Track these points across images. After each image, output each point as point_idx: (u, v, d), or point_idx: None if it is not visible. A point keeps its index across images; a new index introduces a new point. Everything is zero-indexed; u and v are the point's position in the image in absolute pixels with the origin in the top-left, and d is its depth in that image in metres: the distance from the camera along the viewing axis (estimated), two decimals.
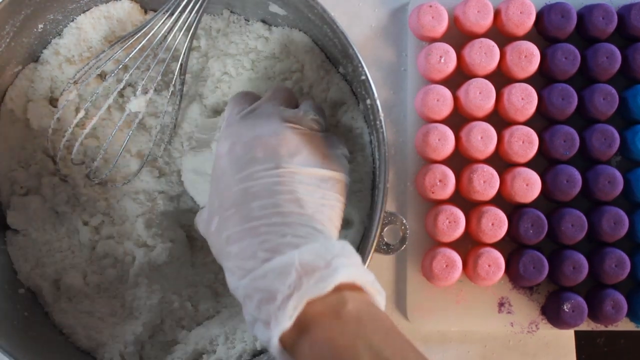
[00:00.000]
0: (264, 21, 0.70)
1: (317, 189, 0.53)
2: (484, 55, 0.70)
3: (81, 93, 0.68)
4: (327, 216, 0.53)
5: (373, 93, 0.60)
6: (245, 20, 0.71)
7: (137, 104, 0.66)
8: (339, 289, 0.45)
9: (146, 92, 0.66)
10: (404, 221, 0.61)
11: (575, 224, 0.69)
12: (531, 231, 0.69)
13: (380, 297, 0.47)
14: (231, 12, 0.71)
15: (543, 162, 0.72)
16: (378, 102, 0.60)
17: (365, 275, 0.47)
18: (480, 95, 0.69)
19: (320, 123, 0.59)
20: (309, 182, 0.53)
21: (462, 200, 0.72)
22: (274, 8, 0.67)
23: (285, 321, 0.43)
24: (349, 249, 0.48)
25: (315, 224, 0.50)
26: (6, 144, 0.68)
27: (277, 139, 0.54)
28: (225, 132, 0.58)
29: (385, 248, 0.61)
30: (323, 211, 0.52)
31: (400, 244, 0.62)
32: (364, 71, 0.60)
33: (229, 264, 0.50)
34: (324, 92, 0.68)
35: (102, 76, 0.69)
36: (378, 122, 0.60)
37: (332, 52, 0.67)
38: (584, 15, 0.71)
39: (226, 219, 0.52)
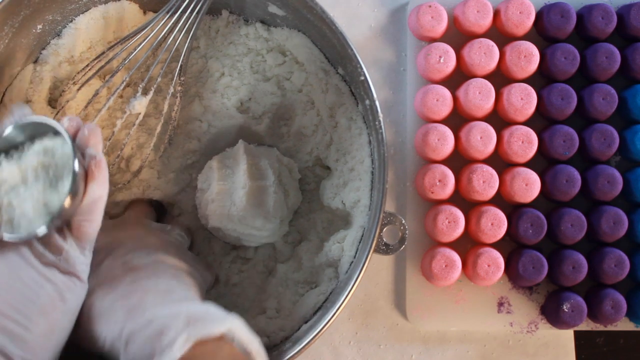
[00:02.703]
0: (263, 22, 0.70)
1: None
2: (484, 55, 0.70)
3: (81, 94, 0.67)
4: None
5: (372, 93, 0.60)
6: (245, 20, 0.71)
7: (137, 105, 0.66)
8: (221, 338, 0.48)
9: (146, 93, 0.66)
10: (403, 221, 0.61)
11: (575, 224, 0.69)
12: (531, 231, 0.69)
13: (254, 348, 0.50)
14: (230, 12, 0.70)
15: (542, 162, 0.72)
16: (377, 103, 0.60)
17: (241, 326, 0.50)
18: (479, 95, 0.69)
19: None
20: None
21: (462, 200, 0.72)
22: (273, 9, 0.67)
23: (175, 353, 0.45)
24: (230, 314, 0.51)
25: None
26: None
27: None
28: None
29: (384, 248, 0.61)
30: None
31: (400, 244, 0.62)
32: (363, 71, 0.60)
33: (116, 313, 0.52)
34: (322, 92, 0.68)
35: (102, 77, 0.69)
36: (377, 123, 0.60)
37: (331, 53, 0.67)
38: (583, 15, 0.71)
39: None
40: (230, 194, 0.65)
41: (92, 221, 0.52)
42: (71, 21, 0.68)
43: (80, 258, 0.51)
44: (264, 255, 0.69)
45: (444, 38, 0.73)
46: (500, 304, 0.73)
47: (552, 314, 0.71)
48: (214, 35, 0.70)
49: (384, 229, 0.61)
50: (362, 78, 0.60)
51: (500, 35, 0.73)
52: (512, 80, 0.71)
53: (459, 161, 0.72)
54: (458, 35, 0.73)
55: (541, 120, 0.73)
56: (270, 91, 0.69)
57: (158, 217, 0.68)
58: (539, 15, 0.72)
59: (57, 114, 0.66)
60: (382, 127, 0.60)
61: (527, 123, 0.71)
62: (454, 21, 0.73)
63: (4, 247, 0.50)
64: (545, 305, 0.73)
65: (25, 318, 0.48)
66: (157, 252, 0.58)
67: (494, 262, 0.69)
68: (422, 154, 0.71)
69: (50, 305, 0.49)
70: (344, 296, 0.58)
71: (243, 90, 0.69)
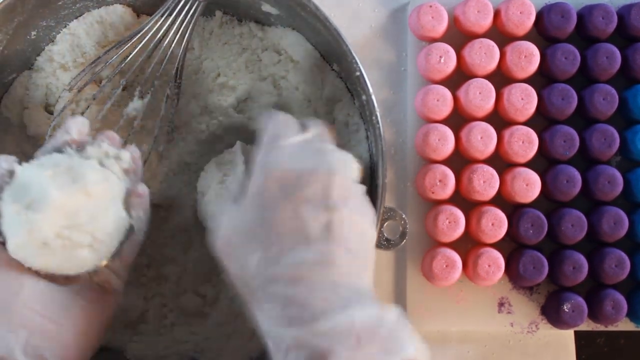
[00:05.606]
0: (256, 21, 0.70)
1: (362, 242, 0.49)
2: (484, 55, 0.70)
3: (77, 99, 0.67)
4: (370, 273, 0.49)
5: (368, 88, 0.60)
6: (238, 20, 0.71)
7: (134, 108, 0.66)
8: None
9: (143, 97, 0.66)
10: (403, 216, 0.61)
11: (575, 224, 0.69)
12: (531, 231, 0.69)
13: None
14: (224, 13, 0.70)
15: (543, 162, 0.72)
16: (373, 98, 0.60)
17: (425, 352, 0.45)
18: (480, 96, 0.69)
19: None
20: (357, 232, 0.48)
21: (462, 200, 0.72)
22: (267, 7, 0.67)
23: None
24: (403, 319, 0.46)
25: (363, 280, 0.47)
26: (3, 152, 0.67)
27: (329, 179, 0.48)
28: (271, 155, 0.51)
29: (385, 244, 0.61)
30: (368, 266, 0.49)
31: (401, 239, 0.61)
32: (359, 67, 0.60)
33: (267, 306, 0.46)
34: (319, 90, 0.68)
35: (98, 82, 0.69)
36: (374, 118, 0.60)
37: (326, 50, 0.67)
38: (583, 15, 0.71)
39: (274, 258, 0.47)
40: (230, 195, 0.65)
41: (134, 246, 0.55)
42: (65, 27, 0.68)
43: (117, 280, 0.54)
44: None
45: (445, 38, 0.73)
46: (501, 304, 0.73)
47: (552, 314, 0.71)
48: (207, 36, 0.70)
49: (385, 224, 0.61)
50: (358, 74, 0.60)
51: (500, 35, 0.73)
52: (512, 80, 0.71)
53: (460, 161, 0.72)
54: (458, 36, 0.73)
55: (541, 121, 0.73)
56: (266, 90, 0.69)
57: None
58: (540, 15, 0.72)
59: (54, 120, 0.66)
60: (379, 122, 0.60)
61: (528, 123, 0.71)
62: (454, 21, 0.73)
63: None
64: (545, 306, 0.73)
65: (60, 316, 0.49)
66: None
67: (494, 262, 0.69)
68: (423, 154, 0.71)
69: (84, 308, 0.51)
70: None
71: (239, 90, 0.69)
